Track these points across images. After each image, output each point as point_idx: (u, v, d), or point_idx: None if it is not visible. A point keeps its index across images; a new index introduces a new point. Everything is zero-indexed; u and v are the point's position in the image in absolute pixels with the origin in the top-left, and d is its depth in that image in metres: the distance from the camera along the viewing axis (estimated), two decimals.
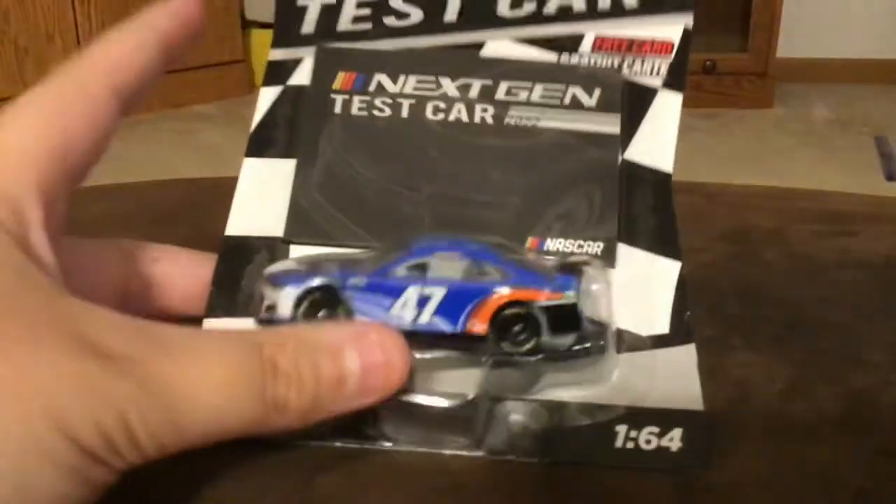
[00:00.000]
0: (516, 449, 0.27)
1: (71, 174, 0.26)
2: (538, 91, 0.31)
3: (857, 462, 0.28)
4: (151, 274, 0.31)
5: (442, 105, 0.31)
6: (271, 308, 0.28)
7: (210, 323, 0.29)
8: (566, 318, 0.27)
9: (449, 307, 0.27)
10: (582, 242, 0.30)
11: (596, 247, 0.30)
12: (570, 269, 0.28)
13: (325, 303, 0.27)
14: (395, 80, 0.31)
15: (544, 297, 0.27)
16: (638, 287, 0.29)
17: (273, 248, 0.30)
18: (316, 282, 0.27)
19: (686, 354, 0.29)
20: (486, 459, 0.27)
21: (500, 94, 0.31)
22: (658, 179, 0.31)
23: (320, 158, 0.31)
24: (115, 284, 0.30)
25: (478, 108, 0.31)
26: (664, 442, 0.27)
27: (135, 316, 0.30)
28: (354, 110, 0.31)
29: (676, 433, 0.27)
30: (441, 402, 0.27)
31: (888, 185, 2.20)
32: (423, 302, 0.27)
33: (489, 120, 0.31)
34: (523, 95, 0.31)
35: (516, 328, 0.27)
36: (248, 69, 2.90)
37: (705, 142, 2.50)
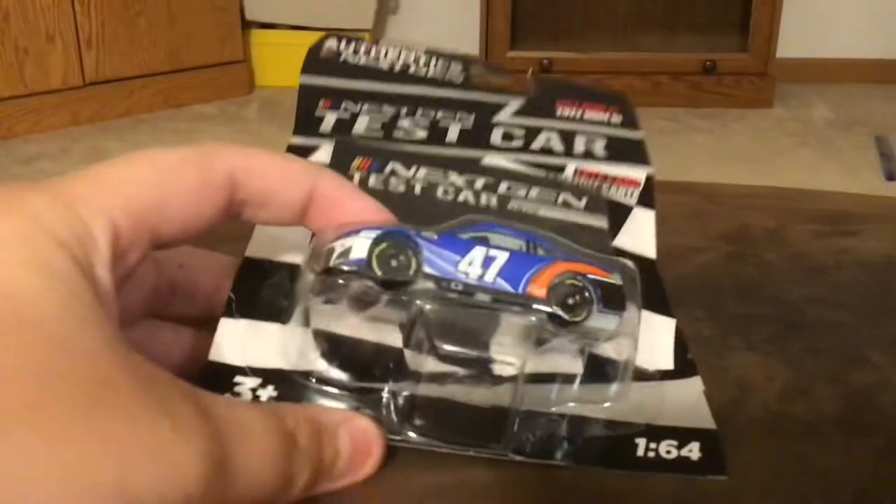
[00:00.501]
0: (543, 454, 0.28)
1: (153, 232, 0.25)
2: (534, 192, 0.34)
3: (857, 462, 0.28)
4: (177, 280, 0.30)
5: (451, 190, 0.33)
6: (345, 253, 0.27)
7: (227, 323, 0.29)
8: (613, 296, 0.29)
9: (511, 271, 0.28)
10: None
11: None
12: (612, 260, 0.30)
13: (398, 248, 0.27)
14: (407, 168, 0.33)
15: (597, 273, 0.29)
16: (640, 336, 0.30)
17: (294, 272, 0.30)
18: (391, 227, 0.28)
19: (692, 384, 0.31)
20: (486, 459, 0.27)
21: (502, 189, 0.34)
22: (644, 266, 0.32)
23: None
24: (144, 290, 0.29)
25: (483, 195, 0.33)
26: (684, 452, 0.28)
27: (159, 320, 0.30)
28: (371, 182, 0.33)
29: (694, 446, 0.28)
30: (477, 402, 0.28)
31: (888, 185, 2.21)
32: (487, 262, 0.28)
33: (494, 205, 0.33)
34: (522, 192, 0.34)
35: (570, 300, 0.28)
36: (248, 69, 2.90)
37: (705, 142, 2.50)
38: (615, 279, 0.29)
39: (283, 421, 0.24)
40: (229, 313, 0.29)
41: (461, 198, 0.33)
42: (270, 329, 0.29)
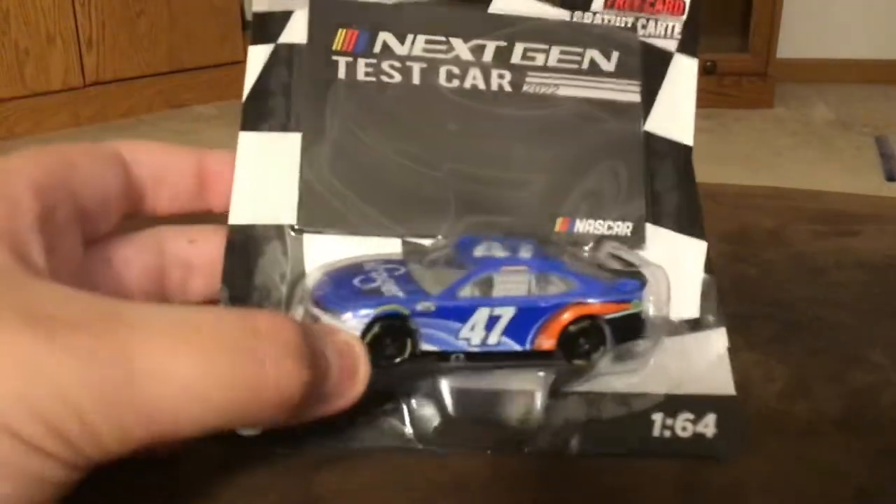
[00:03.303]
0: (559, 444, 0.27)
1: (70, 191, 0.25)
2: (555, 55, 0.30)
3: (858, 461, 0.28)
4: (188, 257, 0.28)
5: (456, 70, 0.29)
6: None
7: None
8: (631, 327, 0.27)
9: (517, 326, 0.26)
10: (612, 223, 0.29)
11: (626, 227, 0.29)
12: (632, 273, 0.28)
13: (391, 332, 0.25)
14: (402, 41, 0.29)
15: (612, 310, 0.27)
16: (666, 269, 0.29)
17: (285, 237, 0.28)
18: (384, 309, 0.25)
19: (716, 338, 0.29)
20: (486, 458, 0.27)
21: (516, 57, 0.29)
22: (679, 153, 0.30)
23: (328, 133, 0.29)
24: (150, 275, 0.28)
25: (494, 73, 0.29)
26: (700, 428, 0.27)
27: (176, 304, 0.28)
28: (360, 75, 0.29)
29: (711, 419, 0.27)
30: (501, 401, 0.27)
31: (888, 185, 2.20)
32: (491, 323, 0.26)
33: (506, 87, 0.29)
34: (540, 59, 0.29)
35: (581, 340, 0.27)
36: None
37: (705, 142, 2.50)
38: (636, 306, 0.27)
39: (250, 316, 0.22)
40: None
41: (468, 83, 0.29)
42: None
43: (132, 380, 0.19)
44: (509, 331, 0.26)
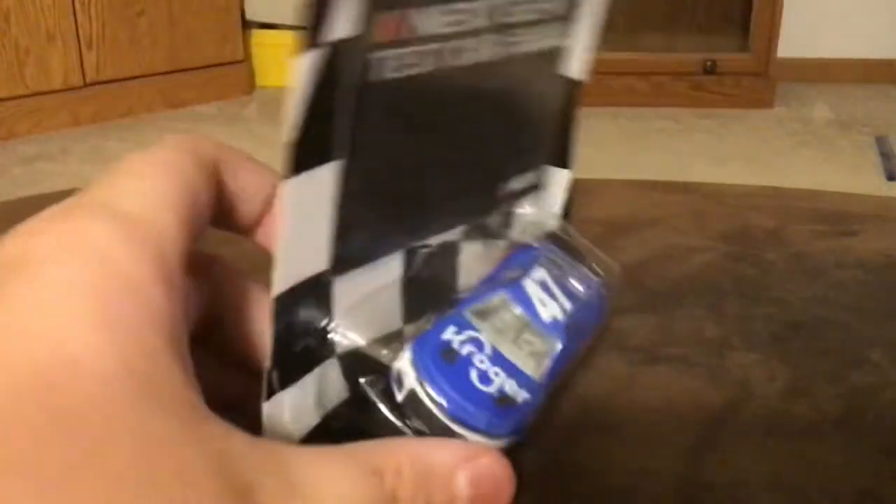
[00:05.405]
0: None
1: (193, 237, 0.22)
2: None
3: (858, 461, 0.28)
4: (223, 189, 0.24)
5: (471, 45, 0.25)
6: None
7: (271, 407, 0.23)
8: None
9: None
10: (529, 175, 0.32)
11: (534, 178, 0.32)
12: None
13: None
14: (423, 17, 0.23)
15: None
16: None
17: (319, 286, 0.23)
18: (526, 422, 0.25)
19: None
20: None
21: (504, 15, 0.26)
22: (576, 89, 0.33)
23: (359, 153, 0.22)
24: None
25: (488, 38, 0.25)
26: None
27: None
28: (388, 72, 0.22)
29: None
30: None
31: (888, 185, 2.20)
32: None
33: (499, 53, 0.26)
34: (517, 15, 0.27)
35: None
36: (249, 69, 2.90)
37: (705, 142, 2.50)
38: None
39: (378, 477, 0.21)
40: (270, 391, 0.22)
41: (474, 57, 0.25)
42: (308, 384, 0.24)
43: None
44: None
